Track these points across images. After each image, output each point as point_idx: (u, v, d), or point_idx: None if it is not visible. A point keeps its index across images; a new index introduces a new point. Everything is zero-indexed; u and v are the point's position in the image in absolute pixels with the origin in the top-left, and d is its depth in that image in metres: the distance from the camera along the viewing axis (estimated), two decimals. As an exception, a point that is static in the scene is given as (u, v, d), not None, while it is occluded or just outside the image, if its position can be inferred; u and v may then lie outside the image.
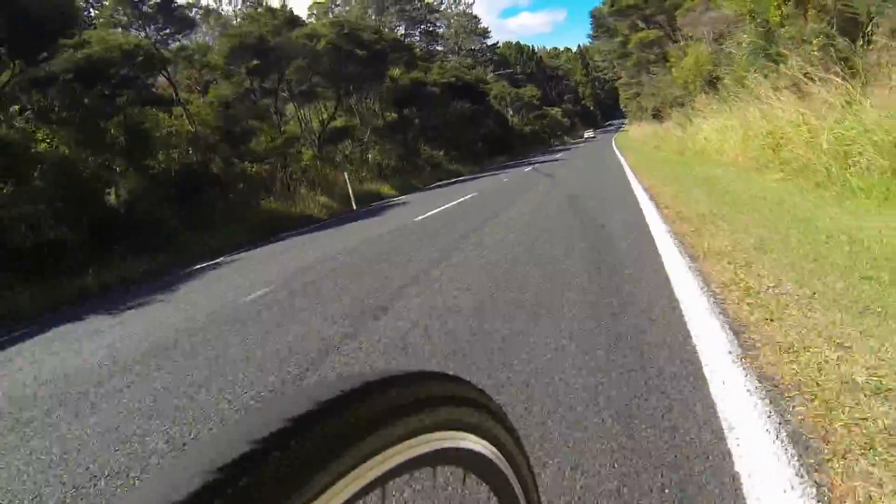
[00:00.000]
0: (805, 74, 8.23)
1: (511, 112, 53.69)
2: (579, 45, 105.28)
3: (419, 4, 60.04)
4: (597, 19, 33.74)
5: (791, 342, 2.08)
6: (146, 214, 13.52)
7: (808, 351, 1.97)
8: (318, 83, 23.64)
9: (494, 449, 0.58)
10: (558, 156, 30.02)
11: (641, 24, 28.92)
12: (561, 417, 1.93)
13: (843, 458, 1.40)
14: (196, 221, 14.30)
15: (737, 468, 1.48)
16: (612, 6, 28.97)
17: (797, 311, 2.35)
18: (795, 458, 1.45)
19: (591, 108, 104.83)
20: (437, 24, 72.34)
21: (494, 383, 2.31)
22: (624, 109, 56.49)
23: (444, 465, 0.53)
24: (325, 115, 24.77)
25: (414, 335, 3.21)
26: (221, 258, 10.44)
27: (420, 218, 9.88)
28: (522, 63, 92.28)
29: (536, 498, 0.68)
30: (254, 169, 19.01)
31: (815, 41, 8.44)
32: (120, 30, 21.96)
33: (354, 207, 16.85)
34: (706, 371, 2.06)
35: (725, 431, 1.65)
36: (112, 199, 14.17)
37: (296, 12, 26.29)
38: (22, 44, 12.71)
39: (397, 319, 3.60)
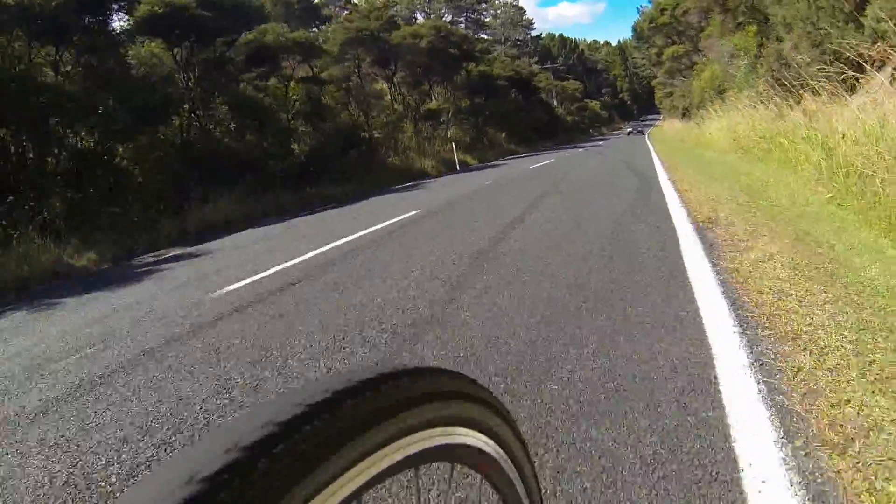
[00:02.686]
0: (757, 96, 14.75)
1: (556, 103, 59.85)
2: (619, 41, 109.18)
3: (466, -7, 66.22)
4: (637, 32, 40.03)
5: (690, 185, 8.86)
6: (325, 161, 20.39)
7: (693, 186, 8.77)
8: (418, 73, 30.40)
9: (496, 445, 0.59)
10: (600, 143, 36.52)
11: (675, 38, 35.11)
12: (623, 178, 8.79)
13: (684, 188, 8.25)
14: (354, 168, 21.13)
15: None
16: (650, 23, 35.23)
17: (698, 185, 9.14)
18: (672, 184, 8.28)
19: (629, 102, 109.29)
20: (483, 13, 78.14)
21: (610, 186, 9.12)
22: (658, 106, 62.12)
23: (445, 461, 0.54)
24: (415, 99, 31.49)
25: (576, 184, 10.02)
26: (407, 183, 17.26)
27: (533, 167, 16.74)
28: (565, 55, 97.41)
29: (538, 495, 0.70)
30: (376, 137, 25.89)
31: (762, 79, 14.88)
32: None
33: (458, 168, 23.60)
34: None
35: (660, 181, 8.55)
36: (296, 149, 21.09)
37: None
38: (226, 28, 19.27)
39: (568, 184, 10.43)
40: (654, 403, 2.04)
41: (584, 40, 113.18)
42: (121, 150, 15.02)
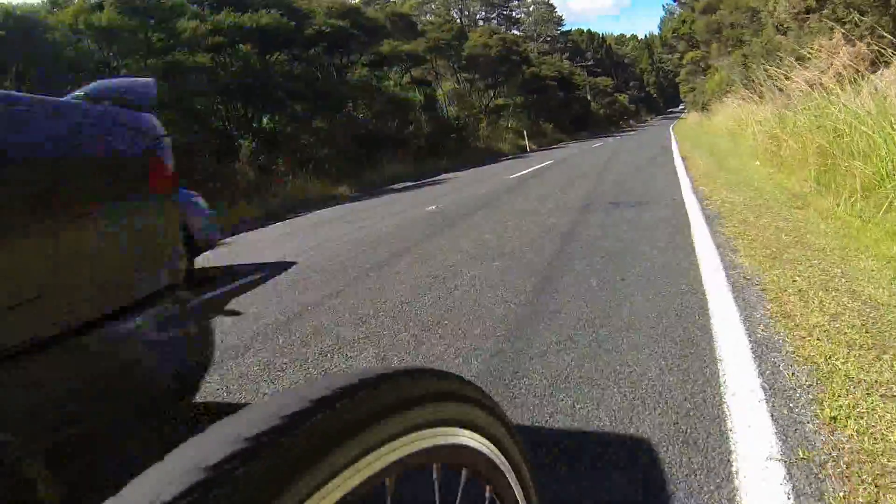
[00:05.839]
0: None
1: (590, 97, 67.58)
2: (646, 35, 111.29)
3: (499, -9, 72.84)
4: (662, 39, 47.71)
5: (688, 149, 17.15)
6: (438, 141, 28.70)
7: (687, 149, 17.08)
8: (488, 76, 38.69)
9: (492, 446, 0.60)
10: (631, 133, 44.43)
11: (695, 44, 42.74)
12: (652, 148, 17.13)
13: (682, 149, 16.61)
14: (454, 148, 29.47)
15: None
16: (673, 32, 43.03)
17: (690, 149, 17.41)
18: (677, 149, 16.63)
19: (655, 95, 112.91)
20: (515, 11, 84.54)
21: (647, 150, 17.42)
22: (683, 99, 68.75)
23: (442, 462, 0.55)
24: (486, 98, 39.80)
25: (628, 151, 18.33)
26: (503, 159, 25.48)
27: (594, 146, 25.00)
28: (593, 49, 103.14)
29: (534, 494, 0.72)
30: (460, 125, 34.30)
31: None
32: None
33: (528, 150, 31.78)
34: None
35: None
36: (422, 133, 29.49)
37: None
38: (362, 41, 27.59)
39: (623, 151, 18.73)
40: (657, 160, 10.54)
41: (611, 35, 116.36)
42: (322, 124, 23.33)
